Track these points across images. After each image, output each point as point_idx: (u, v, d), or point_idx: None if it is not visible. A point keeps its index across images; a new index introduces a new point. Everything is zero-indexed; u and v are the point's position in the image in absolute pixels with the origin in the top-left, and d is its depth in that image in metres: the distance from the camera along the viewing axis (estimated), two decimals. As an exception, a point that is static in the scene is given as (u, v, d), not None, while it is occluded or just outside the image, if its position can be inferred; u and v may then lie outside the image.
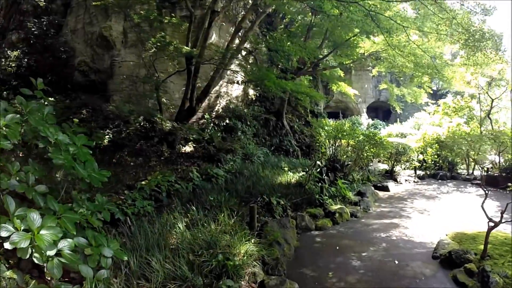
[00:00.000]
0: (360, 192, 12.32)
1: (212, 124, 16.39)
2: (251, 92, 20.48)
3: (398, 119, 36.10)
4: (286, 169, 13.21)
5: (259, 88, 19.62)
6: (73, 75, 15.73)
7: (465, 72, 18.26)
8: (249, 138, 17.02)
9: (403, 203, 12.25)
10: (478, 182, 16.42)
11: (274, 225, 7.77)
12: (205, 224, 7.13)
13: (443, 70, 17.50)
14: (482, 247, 7.07)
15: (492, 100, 19.25)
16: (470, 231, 8.21)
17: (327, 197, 10.45)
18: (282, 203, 9.40)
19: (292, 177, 12.17)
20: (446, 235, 8.09)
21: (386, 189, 14.56)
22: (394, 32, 14.02)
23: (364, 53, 20.51)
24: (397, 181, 16.90)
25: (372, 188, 13.71)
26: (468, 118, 20.66)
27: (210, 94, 16.83)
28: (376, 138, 14.24)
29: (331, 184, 11.85)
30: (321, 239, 8.21)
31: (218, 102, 18.01)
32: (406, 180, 17.14)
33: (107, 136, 11.81)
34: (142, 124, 12.64)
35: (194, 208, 7.96)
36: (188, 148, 13.87)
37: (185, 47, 12.70)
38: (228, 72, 16.69)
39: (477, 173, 19.56)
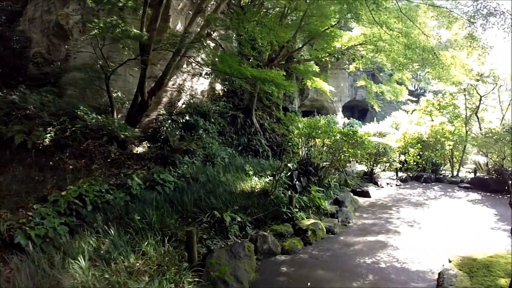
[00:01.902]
0: (337, 200, 10.38)
1: (169, 121, 14.26)
2: (218, 87, 18.50)
3: (375, 118, 35.05)
4: (251, 173, 11.16)
5: (227, 83, 17.69)
6: (27, 67, 13.74)
7: (467, 58, 16.43)
8: (213, 137, 15.00)
9: (387, 213, 10.39)
10: (466, 185, 14.91)
11: (222, 254, 5.73)
12: (122, 257, 5.08)
13: (441, 55, 15.43)
14: (502, 281, 5.21)
15: (481, 97, 17.72)
16: (479, 254, 6.33)
17: (297, 210, 8.43)
18: (239, 219, 7.36)
19: (257, 183, 10.17)
20: (450, 261, 6.19)
21: (366, 194, 12.72)
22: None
23: (341, 47, 18.66)
24: (378, 185, 15.15)
25: (351, 194, 11.81)
26: (452, 117, 19.07)
27: (172, 88, 15.05)
28: (356, 137, 12.37)
29: (304, 191, 9.88)
30: (288, 269, 6.19)
31: (181, 97, 15.94)
32: (388, 184, 15.39)
33: (49, 135, 9.80)
34: (89, 121, 10.48)
35: (114, 230, 5.90)
36: (141, 149, 12.04)
37: (135, 30, 10.63)
38: (194, 65, 14.83)
39: (462, 174, 18.08)
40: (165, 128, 13.59)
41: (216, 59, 10.77)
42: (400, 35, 14.02)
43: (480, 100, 17.73)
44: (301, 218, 8.16)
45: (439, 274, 5.77)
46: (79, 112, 10.19)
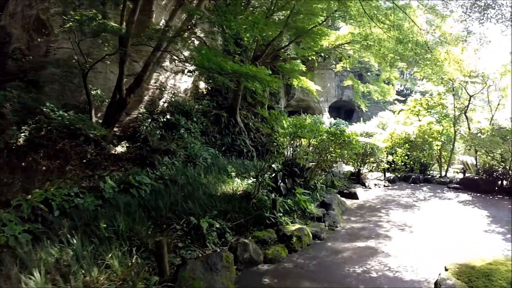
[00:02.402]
0: (324, 202, 9.83)
1: (150, 120, 13.62)
2: (202, 85, 17.92)
3: (361, 119, 34.93)
4: (233, 174, 10.57)
5: (210, 81, 17.11)
6: (6, 63, 12.98)
7: (461, 53, 15.98)
8: (195, 137, 14.40)
9: (376, 215, 9.89)
10: (456, 186, 14.56)
11: (196, 266, 5.12)
12: (83, 271, 4.47)
13: (434, 49, 14.97)
14: (505, 292, 4.70)
15: (470, 97, 17.40)
16: (477, 261, 5.83)
17: (281, 214, 7.85)
18: (218, 226, 6.76)
19: (239, 185, 9.58)
20: (446, 269, 5.69)
21: (354, 196, 12.22)
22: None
23: (329, 46, 18.20)
24: (365, 186, 14.67)
25: (338, 196, 11.30)
26: (440, 117, 18.72)
27: (154, 86, 14.49)
28: (343, 136, 11.85)
29: (288, 193, 9.32)
30: (270, 280, 5.60)
31: (163, 96, 15.32)
32: (375, 185, 14.94)
33: (23, 134, 9.27)
34: (56, 118, 9.80)
35: (78, 239, 5.28)
36: (120, 149, 11.37)
37: (113, 23, 10.03)
38: (177, 62, 14.34)
39: (450, 175, 17.77)
40: (144, 128, 12.95)
41: (194, 52, 10.11)
42: (391, 28, 13.49)
43: (470, 99, 17.41)
44: (285, 223, 7.57)
45: (435, 284, 5.30)
46: (45, 109, 9.48)
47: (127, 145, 11.80)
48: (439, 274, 5.50)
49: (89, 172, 9.38)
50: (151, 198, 8.00)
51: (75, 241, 5.21)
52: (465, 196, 12.92)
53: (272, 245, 6.74)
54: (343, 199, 11.51)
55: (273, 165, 10.41)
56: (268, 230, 7.17)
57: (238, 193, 8.96)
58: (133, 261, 5.15)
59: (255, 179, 9.41)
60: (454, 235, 8.16)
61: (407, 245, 7.35)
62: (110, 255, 4.97)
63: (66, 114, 9.88)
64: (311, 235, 7.46)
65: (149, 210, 7.29)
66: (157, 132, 13.01)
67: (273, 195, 8.44)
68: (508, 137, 13.07)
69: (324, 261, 6.42)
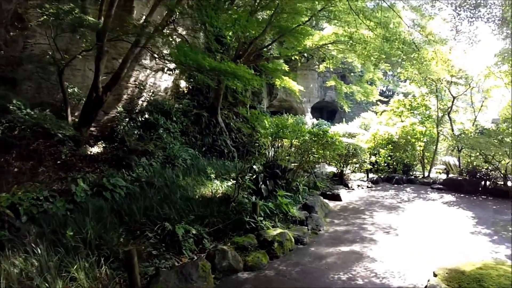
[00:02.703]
0: (306, 205, 9.48)
1: (127, 120, 13.09)
2: (182, 84, 17.41)
3: (343, 119, 34.78)
4: (212, 176, 10.14)
5: (191, 80, 16.65)
6: None
7: (449, 53, 15.82)
8: (175, 137, 13.92)
9: (361, 218, 9.59)
10: (439, 186, 14.42)
11: (170, 278, 4.73)
12: (46, 284, 4.03)
13: (422, 48, 14.59)
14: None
15: (454, 98, 17.33)
16: (467, 266, 5.54)
17: (262, 218, 7.46)
18: (194, 232, 6.33)
19: (218, 187, 9.16)
20: (435, 274, 5.39)
21: (337, 198, 11.91)
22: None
23: (312, 46, 17.93)
24: (348, 187, 14.39)
25: (321, 198, 10.97)
26: (423, 117, 18.62)
27: (133, 85, 13.95)
28: (326, 137, 11.55)
29: (270, 196, 8.95)
30: (250, 290, 5.22)
31: (142, 94, 14.80)
32: (358, 186, 14.67)
33: None
34: (22, 116, 9.24)
35: (43, 248, 4.82)
36: (97, 149, 10.86)
37: (90, 18, 9.56)
38: (158, 60, 13.78)
39: (432, 175, 17.67)
40: (122, 127, 12.43)
41: (173, 49, 9.65)
42: (378, 25, 13.20)
43: (453, 101, 17.35)
44: (266, 228, 7.19)
45: (425, 290, 4.98)
46: (11, 107, 8.91)
47: (104, 145, 11.30)
48: (428, 281, 5.22)
49: (62, 174, 8.89)
50: (125, 202, 7.55)
51: (40, 251, 4.74)
52: (449, 197, 12.76)
53: (252, 252, 6.34)
54: (326, 201, 11.19)
55: (254, 166, 10.05)
56: (248, 236, 6.77)
57: (218, 195, 8.56)
58: (102, 272, 4.72)
59: (235, 181, 9.02)
60: (441, 237, 7.92)
61: (393, 248, 7.05)
62: (75, 267, 4.52)
63: (32, 113, 9.32)
64: (293, 240, 7.10)
65: (122, 215, 6.86)
66: (135, 132, 12.53)
67: (253, 198, 8.05)
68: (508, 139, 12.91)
69: (307, 267, 6.05)
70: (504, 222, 9.50)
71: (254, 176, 9.61)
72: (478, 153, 13.94)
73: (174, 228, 6.18)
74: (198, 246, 6.37)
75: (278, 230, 7.03)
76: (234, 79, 9.87)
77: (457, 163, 19.36)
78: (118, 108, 13.19)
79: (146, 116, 13.57)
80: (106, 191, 8.12)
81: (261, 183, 9.38)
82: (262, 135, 12.48)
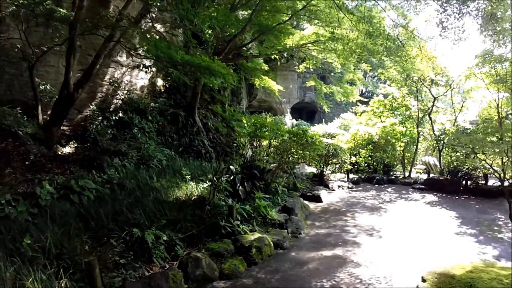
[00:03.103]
0: (286, 207, 9.06)
1: (100, 118, 12.46)
2: (159, 82, 16.80)
3: (323, 120, 34.68)
4: (188, 177, 9.62)
5: (169, 78, 16.09)
6: None
7: (434, 50, 15.66)
8: (151, 137, 13.33)
9: (342, 220, 9.23)
10: (420, 186, 14.23)
11: (135, 289, 4.18)
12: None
13: (407, 44, 14.17)
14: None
15: (434, 99, 17.23)
16: (455, 268, 5.22)
17: (239, 222, 6.97)
18: (165, 238, 5.81)
19: (194, 189, 8.65)
20: (424, 280, 5.03)
21: (318, 199, 11.55)
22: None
23: (292, 45, 17.59)
24: (329, 188, 14.07)
25: (301, 199, 10.59)
26: (404, 118, 18.47)
27: (108, 82, 13.26)
28: (306, 137, 11.17)
29: (248, 197, 8.48)
30: (225, 301, 4.75)
31: (118, 92, 14.16)
32: (339, 187, 14.36)
33: None
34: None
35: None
36: (68, 149, 10.31)
37: (62, 10, 8.97)
38: (134, 58, 13.20)
39: (413, 175, 17.54)
40: (94, 126, 11.80)
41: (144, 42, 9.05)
42: (361, 20, 12.82)
43: (434, 101, 17.26)
44: (244, 232, 6.71)
45: (414, 298, 4.61)
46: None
47: (76, 145, 10.72)
48: (417, 286, 4.84)
49: (29, 175, 8.25)
50: (94, 205, 6.96)
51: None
52: (431, 197, 12.56)
53: (229, 258, 5.85)
54: (306, 202, 10.81)
55: (231, 167, 9.60)
56: (224, 241, 6.28)
57: (193, 198, 8.06)
58: (62, 285, 4.18)
59: (211, 183, 8.55)
60: (426, 238, 7.63)
61: (378, 252, 6.69)
62: (30, 279, 3.98)
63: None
64: (272, 245, 6.64)
65: (89, 220, 6.29)
66: (109, 132, 11.92)
67: (230, 201, 7.55)
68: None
69: (288, 274, 5.61)
70: (488, 222, 9.34)
71: (231, 178, 9.16)
72: (469, 152, 13.77)
73: (143, 234, 5.66)
74: (170, 254, 5.86)
75: (256, 235, 6.57)
76: (209, 74, 9.34)
77: (437, 163, 19.34)
78: (92, 107, 12.57)
79: (120, 115, 12.95)
80: (73, 194, 7.54)
81: (238, 184, 8.91)
82: (239, 135, 11.99)
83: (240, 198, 8.50)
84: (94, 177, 8.75)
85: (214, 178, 7.98)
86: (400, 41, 13.55)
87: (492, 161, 14.53)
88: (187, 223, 6.63)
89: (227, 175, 9.26)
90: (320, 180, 14.76)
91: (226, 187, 8.29)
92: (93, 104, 12.73)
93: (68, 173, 8.86)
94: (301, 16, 15.54)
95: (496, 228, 8.81)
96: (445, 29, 11.63)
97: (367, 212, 10.15)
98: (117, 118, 12.77)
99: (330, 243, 7.24)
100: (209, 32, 16.58)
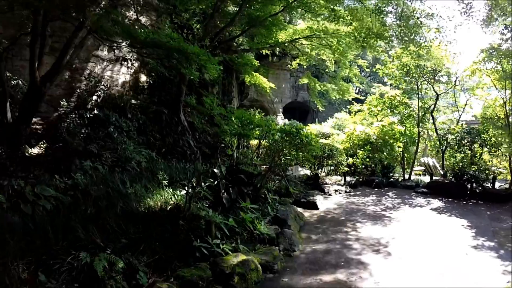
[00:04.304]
0: (277, 218, 7.83)
1: (73, 116, 11.31)
2: (143, 78, 15.63)
3: (316, 120, 33.87)
4: (165, 182, 8.40)
5: (153, 74, 14.98)
6: None
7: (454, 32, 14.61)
8: (130, 137, 12.12)
9: (342, 231, 8.04)
10: (423, 190, 13.16)
11: None
12: None
13: (418, 29, 12.04)
14: None
15: (437, 96, 16.18)
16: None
17: (218, 241, 5.68)
18: (122, 265, 4.56)
19: (170, 196, 7.43)
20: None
21: (313, 206, 10.36)
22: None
23: (284, 40, 16.49)
24: (325, 192, 12.87)
25: (295, 207, 9.37)
26: (403, 117, 17.36)
27: (87, 77, 12.23)
28: (300, 136, 10.00)
29: (233, 207, 7.26)
30: None
31: (98, 88, 13.03)
32: (336, 191, 13.18)
33: None
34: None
35: None
36: (37, 150, 9.31)
37: None
38: (117, 52, 12.72)
39: (413, 177, 16.48)
40: (66, 125, 10.63)
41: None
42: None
43: (437, 98, 16.21)
44: (224, 253, 5.44)
45: None
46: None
47: (46, 145, 9.62)
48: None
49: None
50: (47, 219, 5.67)
51: None
52: (436, 202, 11.45)
53: (204, 289, 4.63)
54: (301, 210, 9.64)
55: (215, 170, 8.41)
56: (200, 266, 4.99)
57: (169, 207, 6.85)
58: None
59: (189, 190, 7.33)
60: (442, 254, 6.50)
61: (389, 275, 5.50)
62: None
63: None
64: (260, 268, 5.38)
65: (36, 238, 5.02)
66: (83, 131, 10.72)
67: (210, 212, 6.27)
68: None
69: (278, 312, 4.41)
70: (505, 232, 8.25)
71: (216, 183, 7.98)
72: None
73: (94, 259, 4.44)
74: (131, 283, 4.62)
75: (240, 257, 5.30)
76: (184, 60, 8.07)
77: (437, 164, 18.31)
78: (64, 103, 11.45)
79: (95, 112, 11.76)
80: (25, 204, 6.24)
81: (222, 191, 7.72)
82: (224, 133, 10.83)
83: (224, 207, 7.31)
84: (57, 182, 7.52)
85: (193, 184, 6.80)
86: (418, 18, 11.79)
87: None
88: (155, 242, 5.39)
89: (211, 180, 8.09)
90: (315, 184, 13.59)
91: (206, 194, 7.07)
92: (70, 100, 11.66)
93: (32, 177, 7.66)
94: (294, 8, 14.45)
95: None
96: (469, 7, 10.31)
97: (369, 221, 8.98)
98: (91, 115, 11.57)
99: (330, 263, 6.04)
100: (197, 26, 15.65)
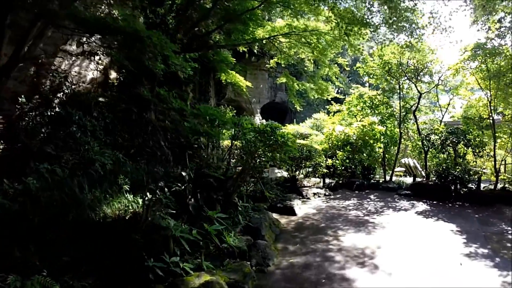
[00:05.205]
0: (250, 227, 6.98)
1: (35, 114, 10.29)
2: (113, 75, 14.64)
3: (294, 121, 33.81)
4: (126, 187, 7.46)
5: (123, 70, 14.07)
6: None
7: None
8: (96, 137, 11.10)
9: (323, 240, 7.26)
10: (406, 192, 12.62)
11: None
12: None
13: (410, 14, 10.68)
14: None
15: (420, 95, 15.68)
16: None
17: (177, 258, 4.79)
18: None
19: (129, 203, 6.50)
20: None
21: (291, 211, 9.58)
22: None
23: (262, 36, 15.73)
24: (303, 196, 12.16)
25: (270, 214, 8.55)
26: (384, 117, 16.77)
27: (54, 73, 10.88)
28: (275, 135, 9.22)
29: (200, 215, 6.38)
30: None
31: (63, 85, 12.01)
32: (315, 194, 12.47)
33: None
34: None
35: None
36: None
37: None
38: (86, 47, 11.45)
39: (394, 178, 15.92)
40: (24, 123, 9.60)
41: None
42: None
43: (420, 97, 15.72)
44: (185, 273, 4.58)
45: None
46: None
47: (3, 146, 8.60)
48: None
49: None
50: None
51: None
52: (421, 205, 10.86)
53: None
54: (277, 216, 8.87)
55: (183, 173, 7.58)
56: (152, 290, 4.15)
57: (128, 217, 5.94)
58: None
59: (150, 196, 6.43)
60: (433, 267, 5.80)
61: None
62: None
63: None
64: (226, 290, 4.56)
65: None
66: (43, 130, 9.72)
67: (171, 223, 5.38)
68: None
69: None
70: (497, 237, 7.71)
71: (183, 187, 7.13)
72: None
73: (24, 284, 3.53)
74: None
75: (203, 277, 4.42)
76: (144, 48, 7.12)
77: (418, 165, 17.88)
78: (22, 99, 10.44)
79: (57, 109, 10.74)
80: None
81: (189, 197, 6.86)
82: (188, 132, 10.02)
83: (191, 216, 6.45)
84: (7, 187, 6.54)
85: (152, 188, 5.92)
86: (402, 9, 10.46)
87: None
88: (105, 260, 4.48)
89: (179, 185, 7.24)
90: (293, 186, 12.84)
91: (167, 202, 6.20)
92: (34, 97, 10.67)
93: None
94: (274, 3, 13.72)
95: (508, 244, 7.16)
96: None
97: (352, 228, 8.23)
98: (53, 113, 10.55)
99: (310, 280, 5.23)
100: (172, 22, 14.84)
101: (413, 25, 11.27)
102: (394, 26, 10.96)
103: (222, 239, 5.70)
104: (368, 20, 11.01)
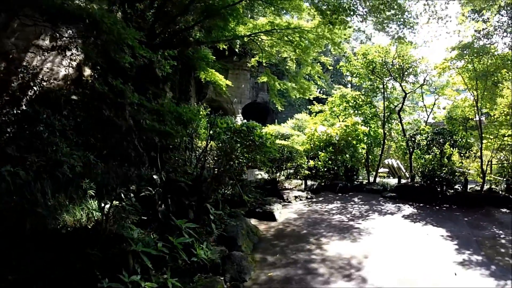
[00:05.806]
0: (224, 237, 6.38)
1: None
2: (87, 72, 13.85)
3: (276, 121, 33.53)
4: (91, 192, 6.79)
5: (98, 67, 13.32)
6: None
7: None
8: (67, 137, 10.33)
9: (305, 249, 6.69)
10: (391, 195, 12.23)
11: None
12: None
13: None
14: None
15: (405, 95, 15.31)
16: None
17: (137, 277, 4.09)
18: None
19: (92, 211, 5.84)
20: None
21: (270, 217, 8.97)
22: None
23: (243, 33, 15.15)
24: (284, 199, 11.59)
25: (248, 220, 7.90)
26: (367, 117, 16.37)
27: (25, 70, 10.46)
28: (253, 136, 8.64)
29: (167, 224, 5.72)
30: None
31: (35, 82, 11.22)
32: (296, 197, 11.91)
33: None
34: None
35: None
36: None
37: None
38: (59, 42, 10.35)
39: (378, 180, 15.55)
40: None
41: None
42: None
43: (405, 97, 15.36)
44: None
45: None
46: None
47: None
48: None
49: None
50: None
51: None
52: (408, 208, 10.44)
53: None
54: (255, 222, 8.28)
55: (155, 177, 6.95)
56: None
57: (91, 225, 5.29)
58: None
59: (117, 202, 5.78)
60: (426, 278, 5.32)
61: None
62: None
63: None
64: (195, 314, 3.93)
65: None
66: (8, 130, 8.92)
67: (136, 233, 4.73)
68: None
69: None
70: (490, 242, 7.34)
71: (154, 192, 6.49)
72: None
73: None
74: None
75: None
76: (111, 39, 6.44)
77: (401, 166, 17.53)
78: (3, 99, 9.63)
79: (24, 108, 9.94)
80: None
81: (159, 202, 6.22)
82: (150, 132, 9.48)
83: (160, 224, 5.81)
84: None
85: (118, 193, 5.27)
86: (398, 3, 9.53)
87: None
88: (55, 280, 3.81)
89: (150, 189, 6.60)
90: (273, 189, 12.27)
91: (132, 209, 5.54)
92: (2, 95, 9.88)
93: None
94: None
95: (502, 250, 6.81)
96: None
97: (336, 234, 7.69)
98: (19, 112, 9.74)
99: (291, 297, 4.66)
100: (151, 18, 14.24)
101: (406, 14, 10.43)
102: (384, 16, 10.05)
103: (192, 252, 5.04)
104: (354, 8, 10.08)
